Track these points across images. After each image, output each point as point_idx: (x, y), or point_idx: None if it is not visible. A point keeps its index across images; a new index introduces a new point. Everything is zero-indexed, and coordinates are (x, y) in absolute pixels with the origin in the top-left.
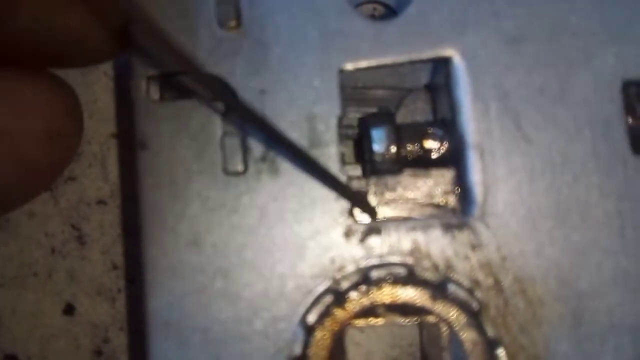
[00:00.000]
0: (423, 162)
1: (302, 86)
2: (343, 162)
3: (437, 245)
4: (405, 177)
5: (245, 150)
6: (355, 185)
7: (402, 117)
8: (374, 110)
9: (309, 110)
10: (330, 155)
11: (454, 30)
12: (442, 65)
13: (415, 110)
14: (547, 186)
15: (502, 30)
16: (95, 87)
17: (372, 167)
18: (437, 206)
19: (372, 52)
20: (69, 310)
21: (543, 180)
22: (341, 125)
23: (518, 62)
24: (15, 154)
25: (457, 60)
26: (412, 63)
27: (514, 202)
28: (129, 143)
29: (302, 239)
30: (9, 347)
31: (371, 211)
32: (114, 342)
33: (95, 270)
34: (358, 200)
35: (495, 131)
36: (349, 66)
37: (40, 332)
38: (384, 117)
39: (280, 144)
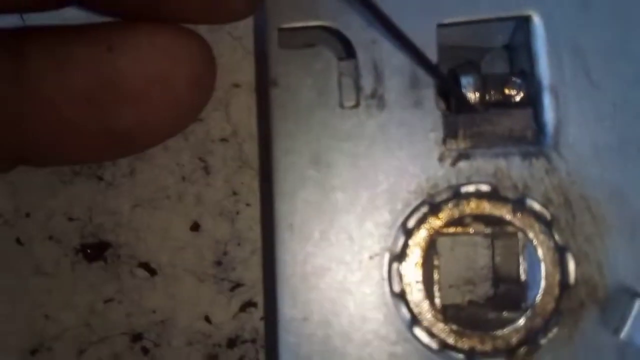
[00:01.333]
0: (506, 104)
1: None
2: (438, 101)
3: (517, 169)
4: (490, 115)
5: (358, 89)
6: (448, 118)
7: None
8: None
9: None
10: (428, 95)
11: None
12: (523, 23)
13: (495, 68)
14: (610, 124)
15: None
16: (219, 45)
17: (463, 107)
18: (517, 138)
19: (465, 9)
20: (195, 227)
21: (607, 119)
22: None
23: (588, 21)
24: (171, 96)
25: (537, 19)
26: (500, 20)
27: (582, 135)
28: (260, 87)
29: (403, 161)
30: (143, 257)
31: (462, 98)
32: (231, 254)
33: (217, 195)
34: (452, 86)
35: (568, 78)
36: (447, 20)
37: (170, 244)
38: (471, 66)
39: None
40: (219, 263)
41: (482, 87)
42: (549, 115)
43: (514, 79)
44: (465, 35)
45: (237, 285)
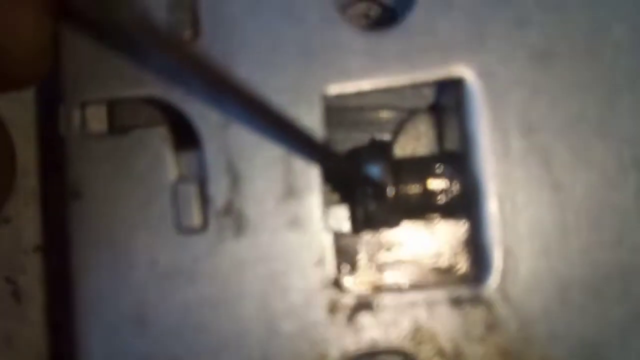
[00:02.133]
0: (427, 209)
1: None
2: (327, 213)
3: (444, 324)
4: (404, 231)
5: (205, 200)
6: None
7: (401, 147)
8: (366, 135)
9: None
10: (310, 207)
11: (468, 43)
12: (451, 87)
13: (418, 138)
14: (583, 248)
15: (528, 43)
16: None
17: (364, 216)
18: (444, 271)
19: (364, 72)
20: None
21: (577, 240)
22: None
23: (547, 84)
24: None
25: (472, 82)
26: (415, 86)
27: (541, 268)
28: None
29: (274, 316)
30: None
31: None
32: None
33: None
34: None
35: (518, 173)
36: (335, 90)
37: None
38: (379, 150)
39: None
40: None
41: (394, 180)
42: (491, 233)
43: (439, 167)
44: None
45: None
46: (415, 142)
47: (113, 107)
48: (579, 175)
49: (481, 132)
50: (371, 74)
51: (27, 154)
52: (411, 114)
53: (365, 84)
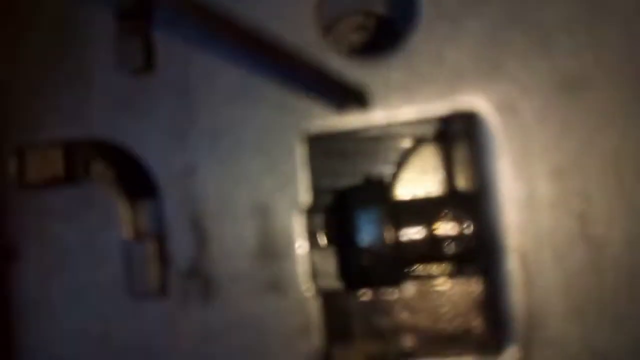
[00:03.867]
0: (433, 261)
1: (247, 160)
2: (315, 274)
3: None
4: (407, 291)
5: (165, 261)
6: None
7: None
8: (360, 168)
9: (260, 198)
10: (292, 266)
11: (482, 71)
12: (462, 121)
13: (424, 171)
14: (622, 315)
15: (555, 70)
16: None
17: (359, 273)
18: (455, 339)
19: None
20: None
21: (615, 305)
22: (310, 212)
23: (580, 118)
24: None
25: (488, 116)
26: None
27: (572, 338)
28: None
29: None
30: None
31: (361, 98)
32: None
33: None
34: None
35: (545, 224)
36: (319, 128)
37: None
38: (375, 190)
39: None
40: None
41: (395, 227)
42: (512, 294)
43: (448, 212)
44: None
45: None
46: (420, 177)
47: (55, 153)
48: (618, 227)
49: (500, 174)
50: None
51: None
52: (416, 143)
53: (356, 120)
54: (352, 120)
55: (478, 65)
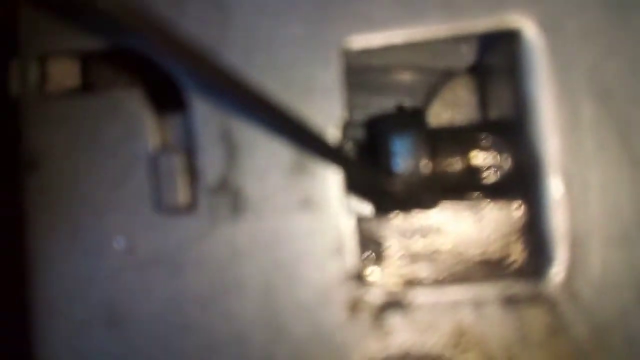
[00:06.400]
0: (471, 189)
1: (282, 76)
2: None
3: (495, 328)
4: (443, 215)
5: (193, 175)
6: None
7: (435, 116)
8: (391, 101)
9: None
10: (326, 184)
11: None
12: (502, 40)
13: (456, 105)
14: None
15: None
16: None
17: (392, 197)
18: (494, 264)
19: (393, 21)
20: None
21: None
22: (344, 131)
23: (626, 39)
24: None
25: (532, 35)
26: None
27: (617, 260)
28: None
29: (281, 315)
30: None
31: (381, 181)
32: None
33: None
34: (360, 167)
35: (590, 147)
36: (357, 43)
37: None
38: (410, 117)
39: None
40: None
41: (430, 154)
42: (554, 218)
43: (486, 138)
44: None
45: None
46: (451, 111)
47: (80, 62)
48: None
49: (543, 97)
50: (402, 24)
51: None
52: (447, 76)
53: (394, 36)
54: (390, 35)
55: None
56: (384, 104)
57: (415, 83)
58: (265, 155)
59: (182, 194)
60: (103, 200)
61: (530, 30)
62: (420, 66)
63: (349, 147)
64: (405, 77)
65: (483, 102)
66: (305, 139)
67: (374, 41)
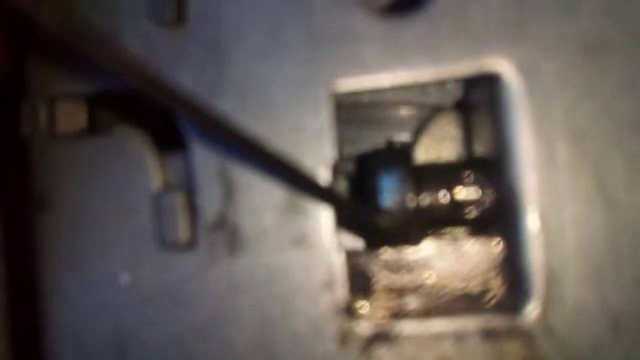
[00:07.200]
0: (454, 224)
1: (275, 117)
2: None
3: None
4: (428, 250)
5: (194, 213)
6: (357, 262)
7: (423, 150)
8: (381, 135)
9: (287, 153)
10: (318, 221)
11: (505, 32)
12: (483, 82)
13: (442, 139)
14: (639, 275)
15: (578, 34)
16: None
17: (380, 232)
18: (475, 298)
19: (380, 65)
20: None
21: (633, 265)
22: (334, 169)
23: (601, 82)
24: None
25: (511, 78)
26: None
27: (590, 296)
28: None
29: (275, 346)
30: None
31: (369, 218)
32: None
33: None
34: (348, 206)
35: (565, 186)
36: (346, 86)
37: None
38: (397, 154)
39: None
40: None
41: (416, 190)
42: (532, 254)
43: (468, 174)
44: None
45: None
46: (438, 145)
47: (86, 104)
48: (636, 191)
49: (521, 136)
50: (389, 67)
51: None
52: (434, 111)
53: (382, 79)
54: (378, 78)
55: (502, 26)
56: (374, 137)
57: (405, 118)
58: (261, 194)
59: (183, 231)
60: (109, 237)
61: (508, 73)
62: (409, 102)
63: (340, 184)
64: (395, 112)
65: (468, 137)
66: (297, 179)
67: (361, 84)
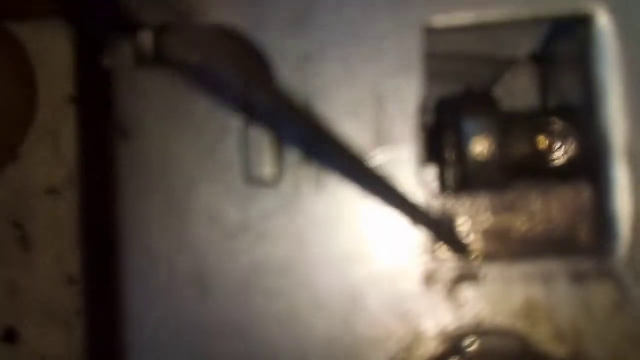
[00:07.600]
0: (540, 172)
1: (366, 51)
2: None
3: (563, 303)
4: (513, 196)
5: (279, 149)
6: (438, 206)
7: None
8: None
9: (376, 87)
10: (403, 159)
11: None
12: (574, 27)
13: (517, 93)
14: None
15: None
16: (48, 36)
17: (463, 178)
18: (561, 242)
19: (471, 2)
20: (10, 337)
21: None
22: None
23: None
24: None
25: (603, 21)
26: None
27: None
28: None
29: (359, 285)
30: None
31: (461, 246)
32: None
33: (44, 285)
34: (442, 230)
35: None
36: (439, 22)
37: None
38: (481, 100)
39: (326, 146)
40: None
41: (500, 137)
42: (619, 198)
43: (553, 121)
44: (471, 38)
45: None
46: (511, 97)
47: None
48: None
49: (613, 81)
50: (480, 5)
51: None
52: (508, 64)
53: (474, 17)
54: (469, 16)
55: None
56: (443, 91)
57: (476, 71)
58: (348, 130)
59: (269, 167)
60: (193, 170)
61: (602, 16)
62: (481, 54)
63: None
64: (466, 65)
65: (545, 89)
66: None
67: (453, 21)
